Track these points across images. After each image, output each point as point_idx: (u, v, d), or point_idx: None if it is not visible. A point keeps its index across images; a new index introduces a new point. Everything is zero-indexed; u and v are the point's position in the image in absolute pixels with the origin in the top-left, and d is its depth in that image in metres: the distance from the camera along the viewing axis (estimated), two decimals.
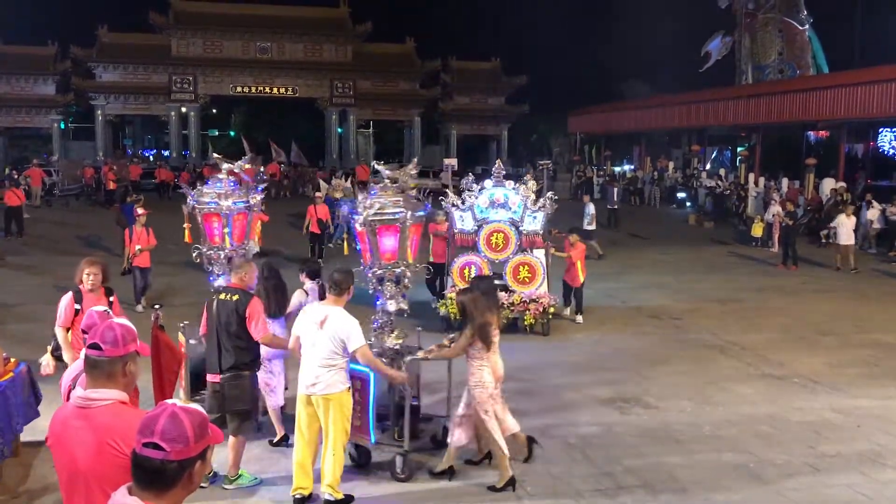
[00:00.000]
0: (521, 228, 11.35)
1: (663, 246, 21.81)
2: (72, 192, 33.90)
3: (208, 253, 7.62)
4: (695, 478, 6.32)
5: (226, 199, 7.51)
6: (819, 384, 9.01)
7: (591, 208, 19.41)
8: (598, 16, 67.59)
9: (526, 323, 11.15)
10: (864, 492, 6.10)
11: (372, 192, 6.52)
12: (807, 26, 41.07)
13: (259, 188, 8.43)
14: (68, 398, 3.67)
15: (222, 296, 6.07)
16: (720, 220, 27.80)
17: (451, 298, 10.75)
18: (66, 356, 6.20)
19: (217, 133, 59.89)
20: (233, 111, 63.76)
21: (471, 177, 12.13)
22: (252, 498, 5.90)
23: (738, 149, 38.70)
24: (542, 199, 11.37)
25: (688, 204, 32.27)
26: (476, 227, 11.46)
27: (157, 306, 6.89)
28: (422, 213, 6.59)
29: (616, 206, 25.77)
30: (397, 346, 6.62)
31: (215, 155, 9.47)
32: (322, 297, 7.06)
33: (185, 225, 8.50)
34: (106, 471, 2.72)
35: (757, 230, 22.21)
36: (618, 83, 61.47)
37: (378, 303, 6.67)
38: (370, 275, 6.54)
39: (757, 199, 28.36)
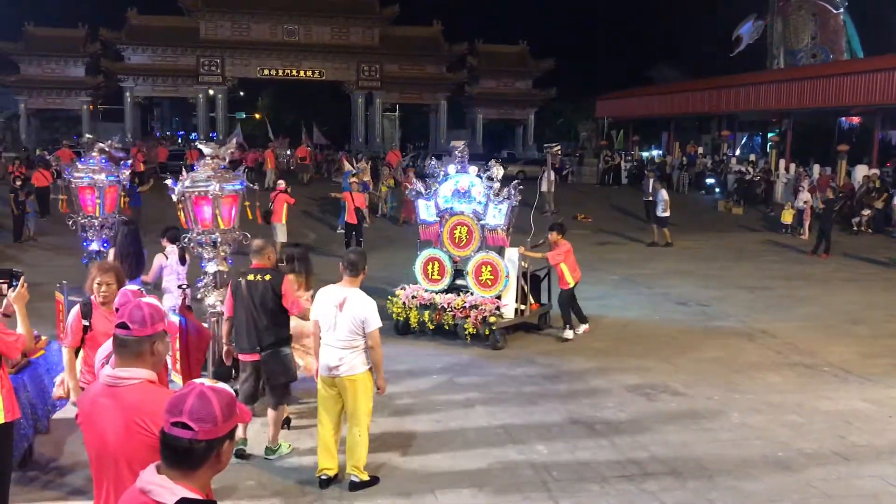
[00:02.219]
0: (482, 222, 9.97)
1: (691, 232, 21.59)
2: None
3: (83, 221, 9.07)
4: (722, 466, 6.26)
5: (99, 173, 8.95)
6: (850, 373, 8.89)
7: (664, 194, 19.21)
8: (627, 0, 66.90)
9: (467, 332, 9.68)
10: (895, 483, 6.00)
11: (195, 167, 7.15)
12: (841, 10, 40.32)
13: (126, 164, 9.99)
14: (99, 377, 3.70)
15: (250, 277, 6.17)
16: (749, 207, 27.47)
17: (397, 296, 10.23)
18: (68, 379, 5.36)
19: (244, 115, 60.19)
20: (260, 94, 64.07)
21: (433, 161, 10.94)
22: (278, 478, 5.94)
23: (769, 135, 38.19)
24: (506, 189, 9.92)
25: (717, 190, 31.92)
26: (439, 219, 10.31)
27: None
28: (236, 186, 7.05)
29: (651, 198, 25.50)
30: (216, 305, 7.00)
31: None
32: (183, 261, 8.25)
33: (60, 196, 10.12)
34: (134, 449, 2.74)
35: (787, 217, 21.93)
36: (647, 67, 60.93)
37: (201, 265, 7.27)
38: (189, 240, 7.13)
39: (787, 185, 28.00)
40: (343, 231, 18.56)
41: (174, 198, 7.07)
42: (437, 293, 10.09)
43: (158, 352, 2.94)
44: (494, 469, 6.15)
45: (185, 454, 2.16)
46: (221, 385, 2.25)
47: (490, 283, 9.85)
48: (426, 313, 9.93)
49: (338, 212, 20.04)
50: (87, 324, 5.25)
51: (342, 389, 5.67)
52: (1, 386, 4.63)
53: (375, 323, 5.58)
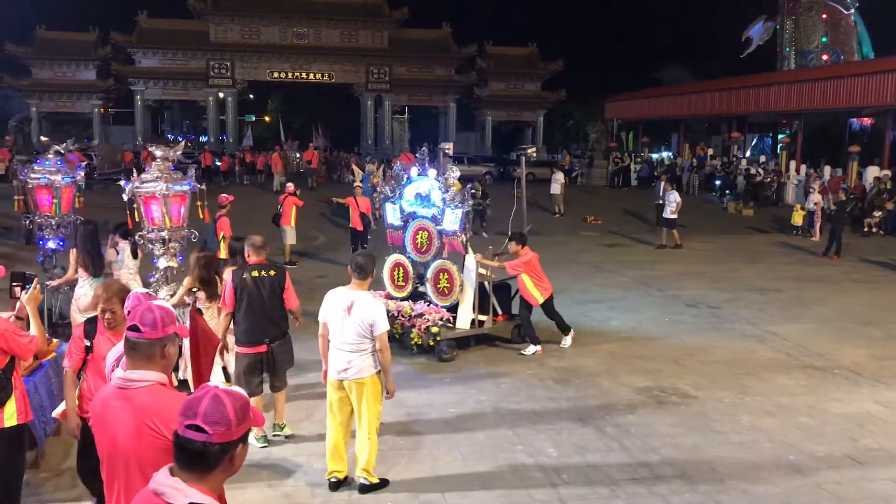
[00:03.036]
0: (439, 228, 9.56)
1: (701, 234, 21.54)
2: (111, 177, 34.40)
3: (39, 221, 9.45)
4: (733, 469, 6.23)
5: (55, 174, 9.27)
6: (861, 376, 8.84)
7: (674, 196, 19.16)
8: (636, 1, 66.79)
9: (413, 342, 9.26)
10: None
11: (147, 169, 7.49)
12: (852, 10, 40.22)
13: (80, 166, 10.43)
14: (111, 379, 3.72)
15: (255, 273, 6.41)
16: (760, 208, 27.37)
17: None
18: (67, 405, 4.94)
19: (254, 118, 60.36)
20: (270, 97, 64.21)
21: (396, 163, 10.89)
22: (288, 480, 5.95)
23: (780, 136, 38.06)
24: (460, 193, 9.45)
25: (727, 192, 31.82)
26: (403, 223, 10.05)
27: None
28: (184, 187, 7.51)
29: (661, 201, 25.41)
30: (167, 299, 7.26)
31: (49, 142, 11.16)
32: (135, 255, 8.94)
33: (15, 197, 10.54)
34: (145, 451, 2.76)
35: (797, 218, 21.86)
36: (656, 69, 60.86)
37: (154, 261, 7.73)
38: (138, 237, 7.60)
39: (798, 187, 27.90)
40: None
41: (125, 197, 7.56)
42: (402, 300, 9.83)
43: (169, 354, 2.97)
44: (504, 471, 6.14)
45: (198, 457, 2.16)
46: (236, 388, 2.26)
47: (447, 292, 9.47)
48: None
49: (347, 214, 19.99)
50: (88, 344, 4.77)
51: (350, 392, 5.68)
52: (14, 388, 4.65)
53: (384, 326, 5.59)
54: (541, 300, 9.59)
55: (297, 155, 38.61)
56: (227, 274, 7.45)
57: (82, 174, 10.25)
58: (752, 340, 10.40)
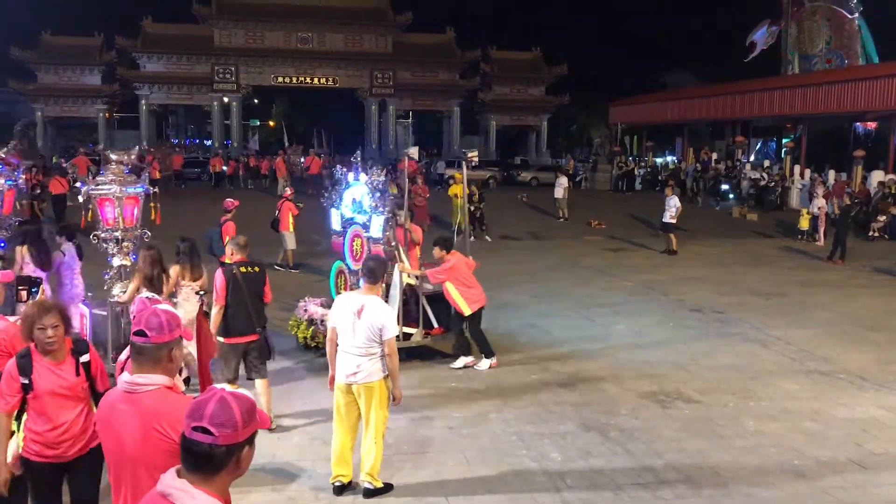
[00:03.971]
0: (366, 235, 9.13)
1: (706, 238, 21.52)
2: None
3: None
4: (737, 473, 6.22)
5: None
6: (866, 381, 8.81)
7: (675, 201, 19.14)
8: (640, 5, 66.86)
9: (312, 344, 9.12)
10: None
11: (102, 171, 7.84)
12: (856, 14, 40.19)
13: (19, 171, 10.51)
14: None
15: (243, 269, 6.95)
16: (764, 213, 27.35)
17: (295, 320, 9.58)
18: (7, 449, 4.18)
19: (258, 122, 60.52)
20: (274, 101, 64.38)
21: (340, 167, 10.06)
22: (292, 484, 5.95)
23: (784, 140, 38.04)
24: (382, 198, 9.15)
25: (731, 196, 31.82)
26: (342, 230, 9.48)
27: (201, 293, 6.99)
28: (138, 189, 7.98)
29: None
30: (120, 296, 7.88)
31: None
32: (80, 256, 9.21)
33: None
34: (152, 455, 2.78)
35: (804, 223, 21.82)
36: (660, 73, 60.88)
37: (108, 259, 8.15)
38: (93, 237, 7.89)
39: (802, 191, 27.88)
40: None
41: (80, 199, 8.04)
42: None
43: (176, 358, 3.00)
44: (508, 476, 6.14)
45: (205, 459, 2.18)
46: (242, 391, 2.27)
47: None
48: (311, 329, 9.24)
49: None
50: (26, 382, 4.03)
51: (359, 396, 5.67)
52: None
53: (393, 330, 5.63)
54: (467, 311, 8.94)
55: (301, 159, 38.67)
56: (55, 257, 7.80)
57: (23, 178, 10.92)
58: (757, 345, 10.38)
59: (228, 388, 2.27)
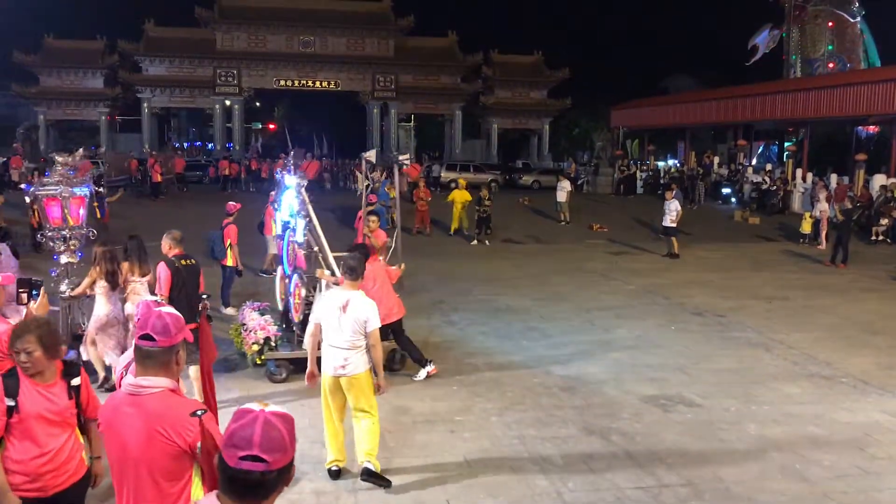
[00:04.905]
0: (292, 240, 8.99)
1: (707, 242, 21.51)
2: (118, 184, 34.54)
3: None
4: (739, 477, 6.21)
5: None
6: (868, 385, 8.80)
7: (675, 205, 19.12)
8: (642, 8, 66.91)
9: (248, 356, 8.61)
10: None
11: (46, 173, 8.09)
12: (858, 19, 40.22)
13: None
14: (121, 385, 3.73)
15: (184, 262, 7.42)
16: (766, 216, 27.33)
17: (235, 329, 9.25)
18: None
19: (260, 126, 60.62)
20: (276, 104, 64.47)
21: (279, 171, 9.76)
22: (294, 487, 5.93)
23: (786, 144, 38.05)
24: (301, 204, 8.90)
25: (733, 200, 31.81)
26: (281, 235, 9.43)
27: (204, 296, 7.00)
28: (84, 190, 8.22)
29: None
30: (68, 292, 8.34)
31: None
32: (16, 255, 9.27)
33: None
34: (155, 457, 2.78)
35: (806, 226, 21.80)
36: (662, 77, 60.93)
37: (54, 257, 8.42)
38: (40, 236, 8.25)
39: (804, 195, 27.86)
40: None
41: (27, 199, 8.44)
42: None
43: (181, 360, 3.00)
44: (509, 479, 6.13)
45: (257, 486, 2.06)
46: (281, 409, 2.14)
47: (298, 309, 8.78)
48: (243, 341, 8.88)
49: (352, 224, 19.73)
50: (12, 404, 3.75)
51: (348, 390, 5.91)
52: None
53: (376, 323, 5.87)
54: (393, 317, 8.56)
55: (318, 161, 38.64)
56: (160, 267, 7.77)
57: None
58: (759, 349, 10.37)
59: (268, 408, 2.12)
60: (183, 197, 31.92)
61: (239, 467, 2.02)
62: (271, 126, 64.59)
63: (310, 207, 8.85)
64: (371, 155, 9.91)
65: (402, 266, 9.41)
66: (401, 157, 10.14)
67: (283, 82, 50.38)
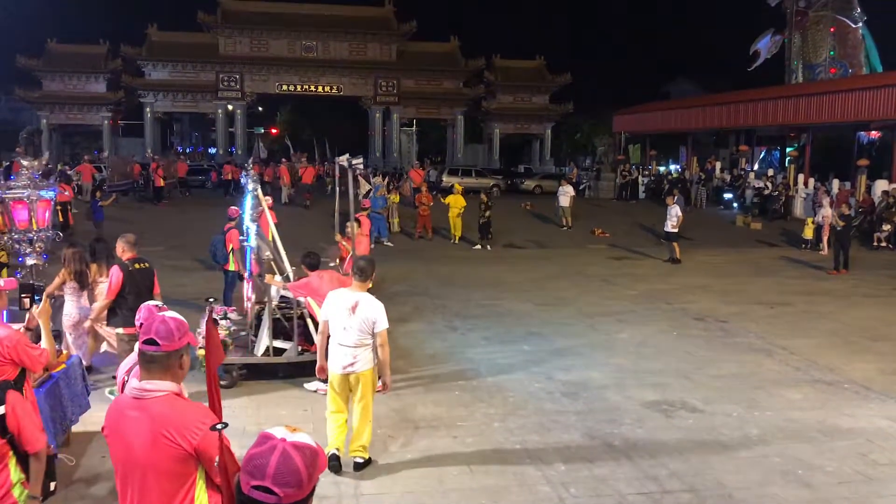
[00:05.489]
0: (247, 245, 8.93)
1: (710, 247, 21.50)
2: (121, 188, 34.58)
3: None
4: (742, 483, 6.21)
5: None
6: (871, 390, 8.79)
7: (676, 210, 19.12)
8: (644, 14, 66.99)
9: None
10: None
11: (11, 177, 8.20)
12: (860, 24, 40.23)
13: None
14: (122, 390, 3.74)
15: (136, 265, 7.56)
16: (768, 222, 27.32)
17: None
18: None
19: (262, 130, 60.71)
20: (278, 109, 64.57)
21: (245, 174, 9.61)
22: None
23: (788, 149, 38.04)
24: (254, 210, 8.92)
25: (735, 205, 31.81)
26: (245, 238, 9.31)
27: (211, 300, 7.01)
28: (49, 193, 8.36)
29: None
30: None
31: None
32: None
33: None
34: (160, 460, 2.79)
35: (808, 232, 21.78)
36: (664, 82, 60.98)
37: (20, 259, 8.47)
38: (6, 239, 8.42)
39: (806, 200, 27.85)
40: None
41: None
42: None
43: (186, 364, 3.01)
44: (511, 484, 6.13)
45: None
46: (303, 440, 2.03)
47: (250, 314, 8.71)
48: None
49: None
50: None
51: (354, 384, 6.20)
52: (25, 399, 4.66)
53: (384, 323, 6.10)
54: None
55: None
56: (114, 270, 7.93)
57: None
58: (761, 354, 10.36)
59: (289, 437, 2.02)
60: (185, 201, 31.95)
61: (251, 496, 1.97)
62: (274, 131, 64.68)
63: (268, 213, 9.11)
64: (342, 159, 9.81)
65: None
66: (354, 162, 9.94)
67: (285, 87, 50.46)
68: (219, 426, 2.71)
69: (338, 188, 11.67)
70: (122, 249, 7.70)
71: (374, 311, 6.05)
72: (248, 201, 9.23)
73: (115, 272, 7.53)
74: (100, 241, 8.94)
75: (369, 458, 6.33)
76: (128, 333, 7.37)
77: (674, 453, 6.82)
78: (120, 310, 7.51)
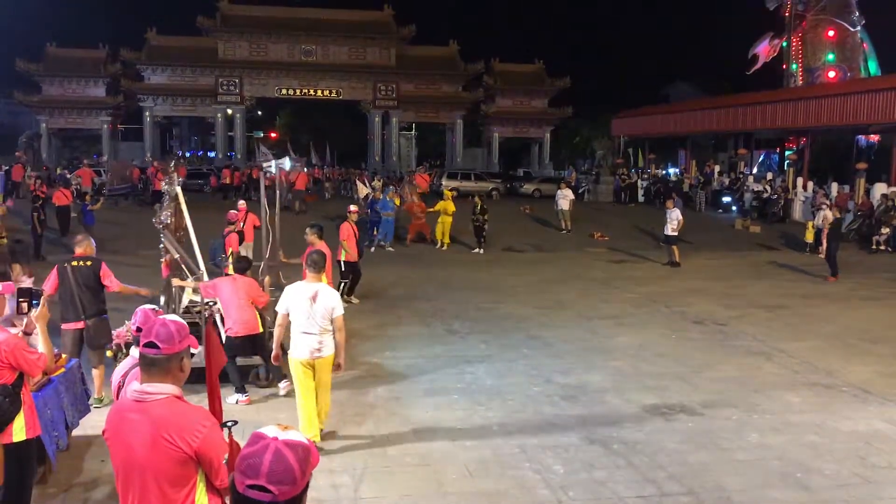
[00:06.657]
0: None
1: (709, 251, 21.52)
2: (120, 192, 34.56)
3: None
4: (741, 486, 6.21)
5: None
6: (870, 393, 8.80)
7: (676, 213, 19.12)
8: (643, 18, 67.06)
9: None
10: None
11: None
12: (858, 28, 40.28)
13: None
14: (118, 395, 3.75)
15: (74, 263, 7.64)
16: (767, 225, 27.34)
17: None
18: None
19: (262, 134, 60.75)
20: (277, 113, 64.59)
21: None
22: None
23: (786, 153, 38.07)
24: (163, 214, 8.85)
25: (734, 208, 31.83)
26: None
27: (212, 303, 7.02)
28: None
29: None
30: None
31: None
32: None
33: None
34: (160, 463, 2.81)
35: (809, 236, 21.78)
36: (663, 86, 61.05)
37: None
38: None
39: (805, 203, 27.88)
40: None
41: None
42: None
43: (186, 367, 3.02)
44: (510, 488, 6.13)
45: None
46: (294, 437, 2.07)
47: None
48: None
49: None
50: None
51: (320, 369, 6.70)
52: (23, 403, 4.67)
53: (341, 310, 6.68)
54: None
55: (305, 170, 38.68)
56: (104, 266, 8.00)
57: None
58: (760, 357, 10.37)
59: (281, 435, 2.04)
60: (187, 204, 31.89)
61: (246, 495, 1.98)
62: (273, 135, 64.72)
63: (186, 213, 9.46)
64: (285, 163, 9.99)
65: (268, 289, 9.16)
66: (309, 164, 9.74)
67: (284, 91, 50.49)
68: (229, 423, 2.73)
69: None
70: (74, 248, 7.97)
71: (332, 300, 6.64)
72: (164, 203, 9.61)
73: (53, 269, 7.77)
74: (19, 242, 9.05)
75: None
76: (63, 329, 7.66)
77: (673, 456, 6.82)
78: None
